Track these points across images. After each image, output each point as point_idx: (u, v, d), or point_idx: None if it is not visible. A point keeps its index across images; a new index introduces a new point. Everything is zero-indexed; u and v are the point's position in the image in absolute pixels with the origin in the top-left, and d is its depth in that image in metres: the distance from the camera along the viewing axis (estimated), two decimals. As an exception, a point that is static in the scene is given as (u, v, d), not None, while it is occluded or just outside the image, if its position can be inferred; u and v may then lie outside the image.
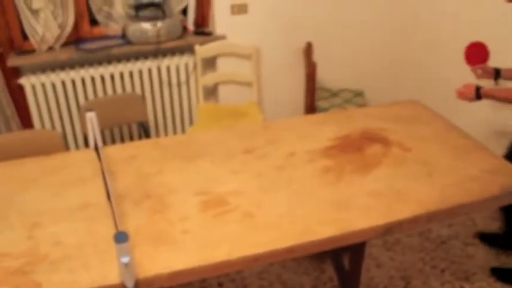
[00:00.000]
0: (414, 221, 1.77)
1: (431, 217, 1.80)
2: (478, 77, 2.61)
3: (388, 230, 1.73)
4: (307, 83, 3.38)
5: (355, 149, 2.16)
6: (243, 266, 1.59)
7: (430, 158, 2.09)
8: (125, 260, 1.37)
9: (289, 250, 1.61)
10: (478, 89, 2.35)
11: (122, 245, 1.35)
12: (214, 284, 2.63)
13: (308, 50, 3.50)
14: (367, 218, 1.73)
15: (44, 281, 1.47)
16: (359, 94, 3.70)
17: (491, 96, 2.31)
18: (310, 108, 3.43)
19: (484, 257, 2.81)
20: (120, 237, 1.36)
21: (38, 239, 1.64)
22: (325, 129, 2.33)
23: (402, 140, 2.23)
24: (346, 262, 2.62)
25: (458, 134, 2.29)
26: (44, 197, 1.87)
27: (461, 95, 2.41)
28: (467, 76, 3.32)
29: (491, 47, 2.64)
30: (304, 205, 1.79)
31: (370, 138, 2.25)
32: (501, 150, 2.95)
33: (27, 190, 1.91)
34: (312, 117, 2.46)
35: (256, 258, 1.58)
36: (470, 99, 2.38)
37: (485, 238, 2.91)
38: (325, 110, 3.45)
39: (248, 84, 3.61)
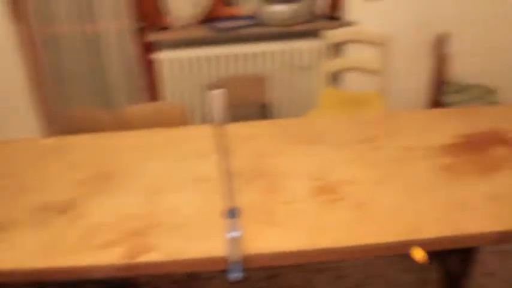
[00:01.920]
0: (535, 232, 1.67)
1: (555, 230, 1.69)
2: None
3: (504, 238, 1.65)
4: (435, 75, 3.26)
5: (478, 150, 2.06)
6: (347, 256, 1.59)
7: (562, 168, 1.95)
8: (234, 234, 1.43)
9: (395, 246, 1.59)
10: None
11: (232, 220, 1.41)
12: (314, 269, 2.65)
13: (440, 41, 3.37)
14: (482, 223, 1.65)
15: (158, 245, 1.58)
16: (491, 91, 3.50)
17: None
18: (436, 102, 3.31)
19: None
20: (232, 212, 1.42)
21: (156, 206, 1.76)
22: (449, 125, 2.24)
23: (533, 145, 2.09)
24: (454, 265, 2.53)
25: None
26: (166, 166, 1.99)
27: None
28: None
29: None
30: (417, 202, 1.75)
31: (496, 139, 2.13)
32: None
33: (152, 159, 2.05)
34: (436, 112, 2.38)
35: (361, 250, 1.57)
36: None
37: None
38: (452, 105, 3.31)
39: (374, 72, 3.55)
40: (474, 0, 3.42)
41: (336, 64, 3.46)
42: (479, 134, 2.17)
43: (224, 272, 1.54)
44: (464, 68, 3.67)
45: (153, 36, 3.18)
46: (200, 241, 1.58)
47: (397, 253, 1.63)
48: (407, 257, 2.63)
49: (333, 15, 3.43)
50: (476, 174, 1.90)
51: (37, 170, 2.06)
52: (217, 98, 2.16)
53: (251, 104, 3.17)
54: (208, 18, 3.39)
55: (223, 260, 1.53)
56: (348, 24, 3.37)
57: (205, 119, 3.53)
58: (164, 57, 3.25)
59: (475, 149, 2.06)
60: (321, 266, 2.68)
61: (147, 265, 1.54)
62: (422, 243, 1.60)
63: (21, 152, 2.22)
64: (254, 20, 3.36)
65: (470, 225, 1.64)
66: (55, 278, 1.63)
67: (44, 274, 1.58)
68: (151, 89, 3.48)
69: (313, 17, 3.42)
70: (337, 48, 3.50)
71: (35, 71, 3.33)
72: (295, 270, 2.66)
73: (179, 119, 2.53)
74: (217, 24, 3.31)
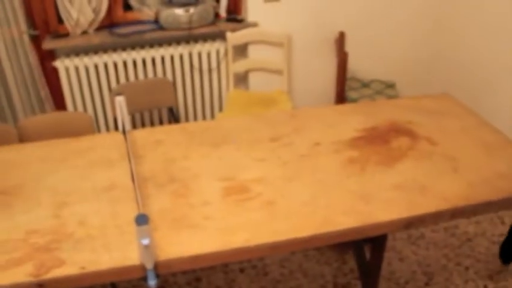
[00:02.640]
0: (437, 216, 1.75)
1: (456, 213, 1.78)
2: None
3: (410, 224, 1.72)
4: (338, 72, 3.36)
5: (381, 141, 2.14)
6: (262, 253, 1.60)
7: (457, 153, 2.06)
8: (145, 242, 1.40)
9: (309, 240, 1.62)
10: None
11: (142, 227, 1.38)
12: (236, 269, 2.65)
13: (340, 39, 3.48)
14: (388, 210, 1.72)
15: (68, 259, 1.51)
16: (391, 86, 3.66)
17: None
18: (340, 98, 3.42)
19: (511, 255, 2.77)
20: (141, 219, 1.39)
21: (64, 218, 1.69)
22: (353, 119, 2.32)
23: (430, 134, 2.20)
24: (368, 254, 2.62)
25: (489, 129, 2.25)
26: (72, 177, 1.91)
27: None
28: (501, 72, 3.26)
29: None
30: (327, 195, 1.79)
31: (397, 130, 2.22)
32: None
33: (57, 170, 1.96)
34: (340, 107, 2.45)
35: (275, 246, 1.59)
36: None
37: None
38: (355, 100, 3.43)
39: (279, 72, 3.61)
40: (368, 1, 3.56)
41: (241, 65, 3.49)
42: (381, 127, 2.26)
43: (144, 279, 1.50)
44: (364, 64, 3.81)
45: (50, 44, 3.06)
46: (113, 251, 1.53)
47: (311, 247, 1.66)
48: (324, 249, 2.69)
49: (236, 17, 3.45)
50: (381, 164, 1.97)
51: None
52: (120, 104, 2.12)
53: (159, 109, 3.12)
54: (109, 24, 3.31)
55: (139, 268, 1.49)
56: (250, 25, 3.40)
57: (111, 127, 3.44)
58: (65, 64, 3.13)
59: (378, 141, 2.14)
60: (243, 265, 2.68)
61: (60, 280, 1.47)
62: (333, 236, 1.64)
63: None
64: (156, 24, 3.32)
65: (378, 215, 1.70)
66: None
67: None
68: (57, 98, 3.35)
69: (216, 20, 3.42)
70: (241, 50, 3.53)
71: None
72: (218, 272, 2.65)
73: (85, 128, 2.45)
74: (118, 30, 3.23)
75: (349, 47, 3.66)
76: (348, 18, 3.58)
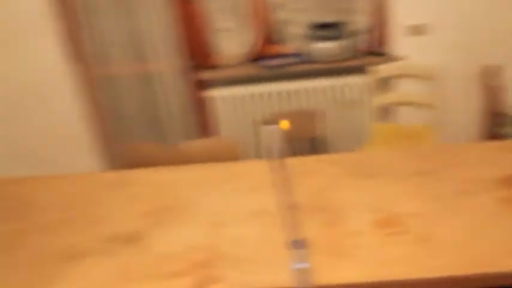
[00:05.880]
0: None
1: None
2: None
3: None
4: (488, 108, 3.23)
5: (541, 181, 2.01)
6: (416, 288, 1.56)
7: None
8: (302, 266, 1.42)
9: (469, 278, 1.55)
10: None
11: (299, 251, 1.41)
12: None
13: (489, 72, 3.34)
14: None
15: (224, 276, 1.58)
16: (546, 124, 3.44)
17: None
18: (492, 134, 3.27)
19: None
20: (299, 243, 1.42)
21: (220, 238, 1.77)
22: (506, 157, 2.20)
23: None
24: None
25: None
26: (225, 200, 2.00)
27: None
28: None
29: None
30: (486, 235, 1.71)
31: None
32: None
33: (210, 193, 2.06)
34: (494, 144, 2.35)
35: (429, 282, 1.54)
36: None
37: None
38: (509, 137, 3.26)
39: (424, 106, 3.53)
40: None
41: (385, 99, 3.46)
42: (541, 165, 2.13)
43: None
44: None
45: (204, 75, 3.26)
46: (266, 273, 1.58)
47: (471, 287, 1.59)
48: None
49: (377, 51, 3.45)
50: (543, 205, 1.86)
51: (100, 203, 2.11)
52: (274, 133, 2.19)
53: (302, 139, 3.18)
54: (256, 57, 3.46)
55: (291, 292, 1.52)
56: (394, 59, 3.38)
57: (258, 154, 3.55)
58: (217, 94, 3.31)
59: (537, 180, 2.02)
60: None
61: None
62: (495, 277, 1.56)
63: (81, 185, 2.27)
64: (300, 57, 3.41)
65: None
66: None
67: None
68: (203, 125, 3.54)
69: (357, 53, 3.45)
70: (385, 83, 3.51)
71: (94, 109, 3.43)
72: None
73: (233, 154, 2.56)
74: (265, 62, 3.36)
75: (500, 81, 3.49)
76: (502, 49, 3.41)
